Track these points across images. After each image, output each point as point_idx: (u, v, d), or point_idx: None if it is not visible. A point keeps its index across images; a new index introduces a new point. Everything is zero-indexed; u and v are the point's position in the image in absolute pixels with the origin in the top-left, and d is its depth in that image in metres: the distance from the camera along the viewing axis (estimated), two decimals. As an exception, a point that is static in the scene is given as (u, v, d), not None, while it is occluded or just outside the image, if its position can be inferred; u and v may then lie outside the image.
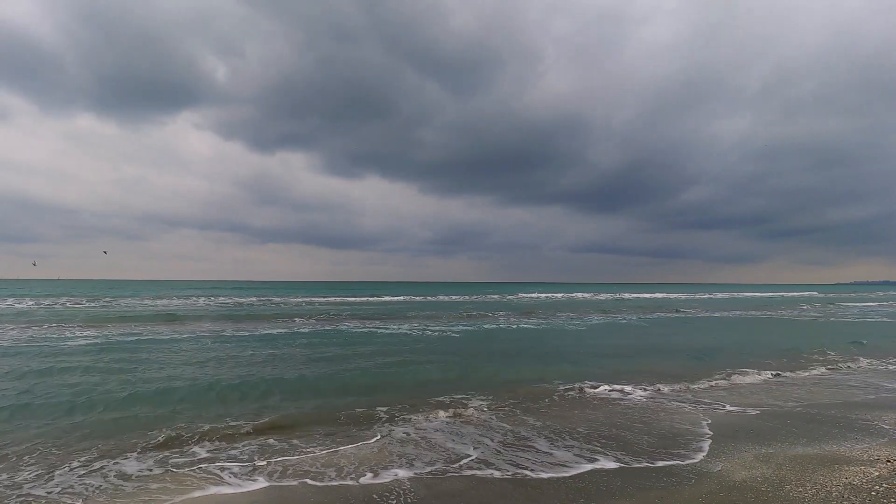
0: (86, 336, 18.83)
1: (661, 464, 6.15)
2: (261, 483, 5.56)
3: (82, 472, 5.79)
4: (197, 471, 5.88)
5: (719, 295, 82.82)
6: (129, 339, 18.15)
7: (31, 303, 39.64)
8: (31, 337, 18.35)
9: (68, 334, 19.34)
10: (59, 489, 5.35)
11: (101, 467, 5.96)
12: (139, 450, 6.57)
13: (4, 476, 5.68)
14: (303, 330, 22.24)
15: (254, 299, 50.79)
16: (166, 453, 6.44)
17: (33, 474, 5.74)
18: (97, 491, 5.33)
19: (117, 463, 6.10)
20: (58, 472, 5.81)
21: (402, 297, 58.56)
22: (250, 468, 5.97)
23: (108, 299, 45.30)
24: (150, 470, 5.89)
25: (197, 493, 5.28)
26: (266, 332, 21.18)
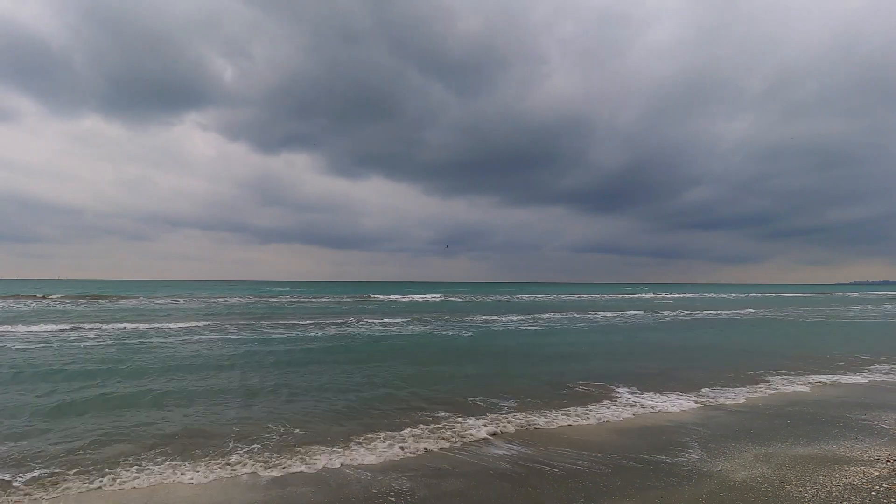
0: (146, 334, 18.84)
1: (661, 463, 6.16)
2: (261, 477, 5.59)
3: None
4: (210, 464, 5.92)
5: (754, 294, 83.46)
6: (154, 339, 18.18)
7: (29, 303, 39.69)
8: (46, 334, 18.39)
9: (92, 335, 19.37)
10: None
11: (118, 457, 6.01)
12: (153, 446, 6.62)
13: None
14: (311, 333, 22.24)
15: (284, 298, 51.04)
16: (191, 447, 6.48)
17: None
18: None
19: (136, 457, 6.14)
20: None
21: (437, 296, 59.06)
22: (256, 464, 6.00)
23: (117, 299, 45.33)
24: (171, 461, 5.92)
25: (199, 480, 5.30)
26: (277, 334, 21.19)
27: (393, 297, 60.80)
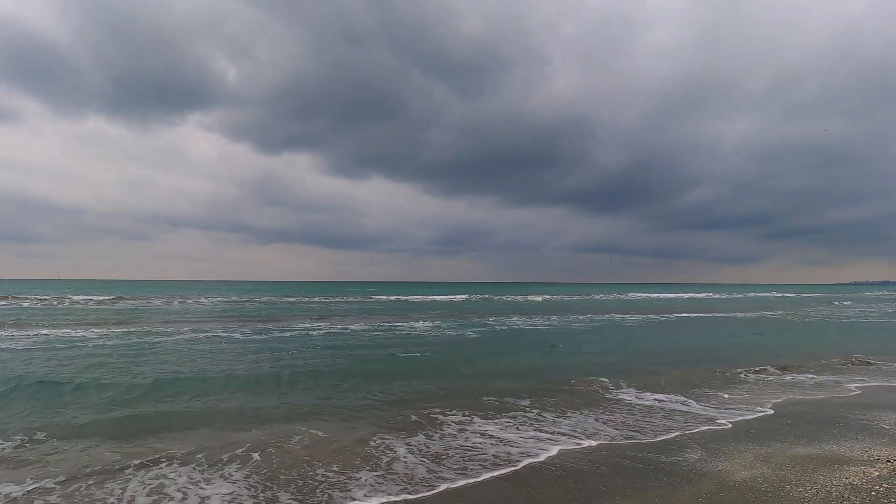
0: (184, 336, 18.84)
1: (661, 463, 6.16)
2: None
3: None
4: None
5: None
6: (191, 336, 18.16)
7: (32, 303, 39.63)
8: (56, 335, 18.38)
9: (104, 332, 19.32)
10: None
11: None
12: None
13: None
14: (317, 332, 22.25)
15: (288, 299, 51.05)
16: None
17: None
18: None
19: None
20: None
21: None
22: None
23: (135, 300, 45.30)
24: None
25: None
26: (287, 333, 21.18)
27: (411, 297, 60.77)
